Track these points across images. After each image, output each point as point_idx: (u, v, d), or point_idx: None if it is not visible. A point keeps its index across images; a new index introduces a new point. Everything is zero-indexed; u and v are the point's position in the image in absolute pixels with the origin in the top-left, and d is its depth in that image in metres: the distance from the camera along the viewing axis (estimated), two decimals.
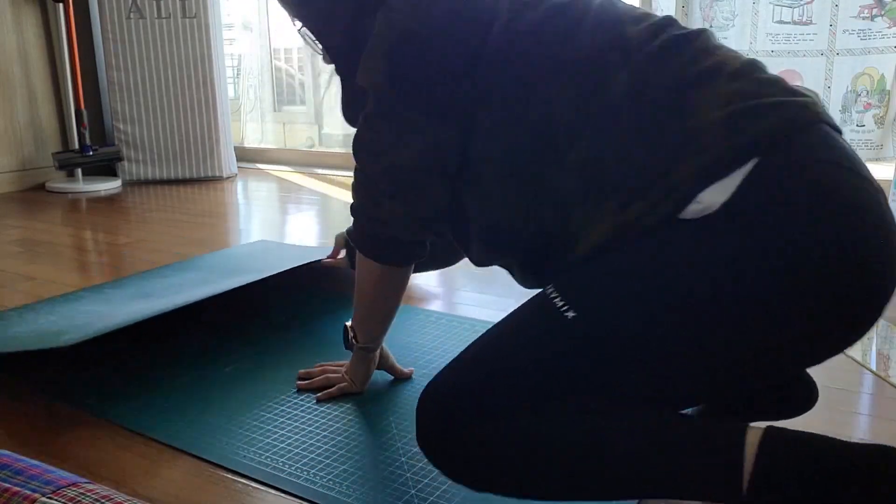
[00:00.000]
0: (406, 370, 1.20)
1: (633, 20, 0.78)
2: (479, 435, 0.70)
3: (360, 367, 1.14)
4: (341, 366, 1.18)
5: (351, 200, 0.97)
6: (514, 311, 0.77)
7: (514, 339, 0.74)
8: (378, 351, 1.15)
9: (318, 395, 1.14)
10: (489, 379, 0.72)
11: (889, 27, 2.09)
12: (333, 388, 1.14)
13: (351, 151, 0.92)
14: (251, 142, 4.93)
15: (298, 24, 0.96)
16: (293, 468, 0.94)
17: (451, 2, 0.82)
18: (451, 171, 0.85)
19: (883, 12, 2.09)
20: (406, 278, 1.03)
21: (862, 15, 2.11)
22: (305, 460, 0.96)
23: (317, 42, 0.96)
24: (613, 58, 0.75)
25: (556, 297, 0.72)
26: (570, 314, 0.70)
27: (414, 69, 0.83)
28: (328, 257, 1.57)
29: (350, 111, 0.96)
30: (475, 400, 0.71)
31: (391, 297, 1.05)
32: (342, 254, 1.55)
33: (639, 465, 0.67)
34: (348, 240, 1.34)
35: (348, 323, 1.11)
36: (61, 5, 3.07)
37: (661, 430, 0.68)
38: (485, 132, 0.80)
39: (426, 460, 0.75)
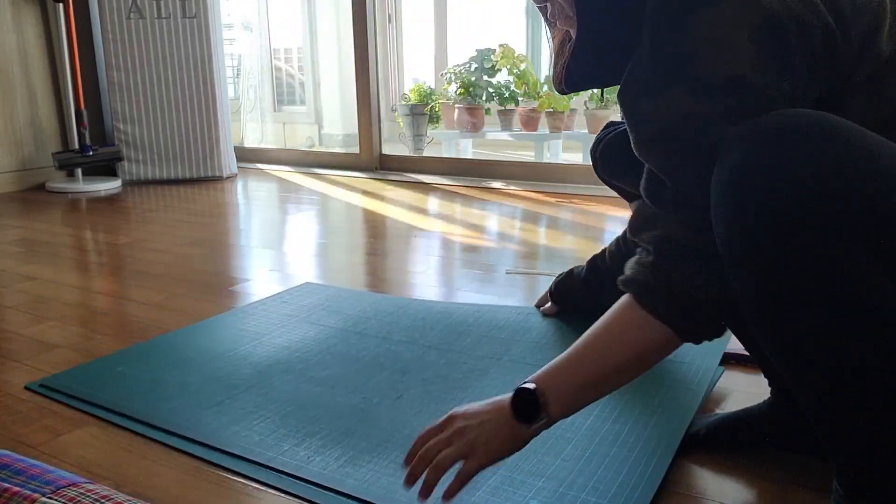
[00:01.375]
0: None
1: None
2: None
3: (515, 444, 0.80)
4: (473, 417, 0.81)
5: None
6: None
7: None
8: None
9: (452, 485, 0.79)
10: None
11: None
12: (466, 471, 0.78)
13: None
14: (251, 142, 4.95)
15: None
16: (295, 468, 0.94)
17: None
18: None
19: None
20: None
21: None
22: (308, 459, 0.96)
23: None
24: None
25: None
26: None
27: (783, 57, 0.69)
28: (540, 305, 1.45)
29: (581, 71, 0.84)
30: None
31: (646, 367, 0.81)
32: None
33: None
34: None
35: (531, 385, 0.79)
36: (61, 5, 3.07)
37: None
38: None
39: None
